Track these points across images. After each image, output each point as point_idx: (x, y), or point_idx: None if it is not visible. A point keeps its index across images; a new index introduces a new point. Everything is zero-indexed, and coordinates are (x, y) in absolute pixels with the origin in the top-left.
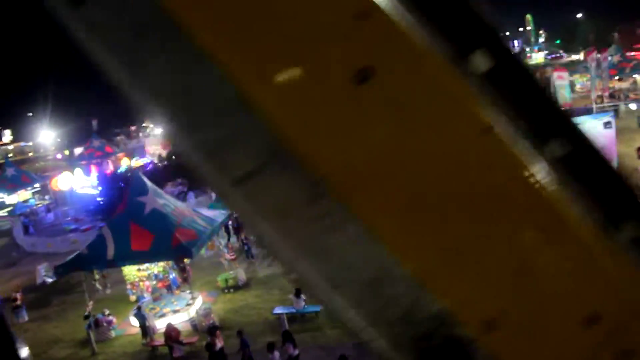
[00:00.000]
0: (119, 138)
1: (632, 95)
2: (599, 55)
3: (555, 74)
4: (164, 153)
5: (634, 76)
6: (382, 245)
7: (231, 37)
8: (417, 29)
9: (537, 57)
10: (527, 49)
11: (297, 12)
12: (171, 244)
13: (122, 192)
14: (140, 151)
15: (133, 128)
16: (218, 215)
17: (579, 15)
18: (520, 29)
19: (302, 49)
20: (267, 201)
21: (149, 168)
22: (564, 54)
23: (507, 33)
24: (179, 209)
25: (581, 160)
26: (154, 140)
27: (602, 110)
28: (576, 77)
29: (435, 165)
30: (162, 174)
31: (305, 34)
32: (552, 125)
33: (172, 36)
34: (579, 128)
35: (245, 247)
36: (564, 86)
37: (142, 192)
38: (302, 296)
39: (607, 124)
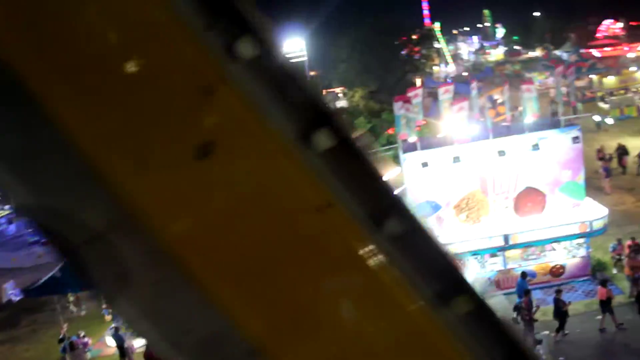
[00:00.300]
0: None
1: (588, 94)
2: (562, 71)
3: (524, 87)
4: None
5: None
6: (218, 309)
7: (76, 106)
8: (262, 107)
9: (496, 54)
10: (486, 45)
11: (142, 85)
12: None
13: None
14: None
15: None
16: None
17: (536, 14)
18: (479, 25)
19: (146, 122)
20: (110, 263)
21: None
22: (522, 50)
23: (467, 29)
24: None
25: (413, 240)
26: None
27: (569, 123)
28: (534, 74)
29: (270, 239)
30: None
31: (150, 106)
32: (387, 205)
33: (17, 96)
34: (412, 209)
35: None
36: (532, 98)
37: None
38: None
39: (575, 139)
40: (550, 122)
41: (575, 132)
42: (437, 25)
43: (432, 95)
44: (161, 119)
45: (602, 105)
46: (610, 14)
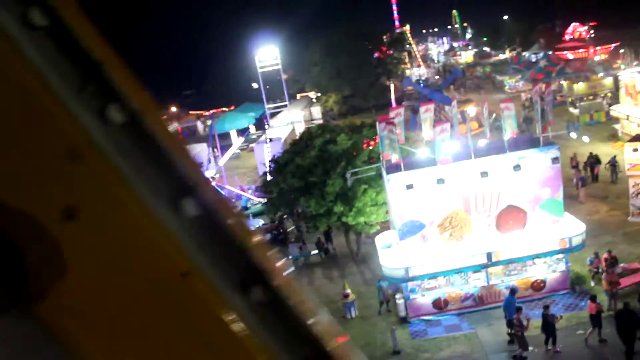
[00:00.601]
0: None
1: (558, 98)
2: (543, 90)
3: (502, 105)
4: None
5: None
6: None
7: None
8: (130, 172)
9: (466, 55)
10: (456, 45)
11: (6, 144)
12: None
13: None
14: None
15: None
16: None
17: (505, 17)
18: (449, 27)
19: (14, 182)
20: None
21: None
22: (492, 52)
23: (436, 29)
24: None
25: (277, 308)
26: None
27: (548, 143)
28: (505, 78)
29: (134, 303)
30: None
31: (17, 168)
32: (252, 273)
33: None
34: (279, 277)
35: None
36: (511, 116)
37: None
38: None
39: (554, 160)
40: (528, 136)
41: (554, 152)
42: (407, 28)
43: (411, 106)
44: (26, 179)
45: (572, 110)
46: (576, 16)
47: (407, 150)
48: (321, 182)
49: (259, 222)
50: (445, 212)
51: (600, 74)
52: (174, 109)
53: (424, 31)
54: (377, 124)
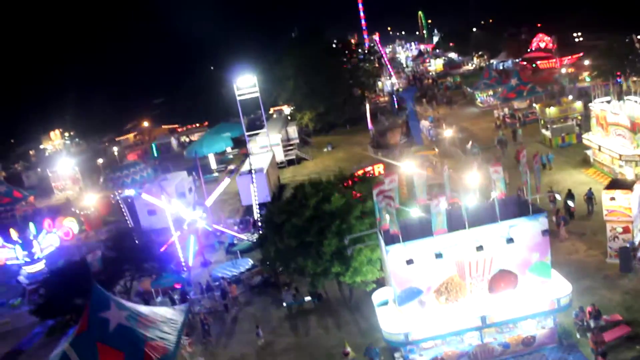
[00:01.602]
0: (18, 167)
1: (531, 116)
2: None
3: (491, 169)
4: (75, 191)
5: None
6: None
7: None
8: None
9: (436, 64)
10: (423, 49)
11: None
12: None
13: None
14: (46, 190)
15: (32, 152)
16: (178, 313)
17: (474, 27)
18: (417, 33)
19: None
20: None
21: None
22: (461, 58)
23: (403, 32)
24: (142, 317)
25: None
26: (62, 174)
27: (537, 210)
28: (477, 93)
29: None
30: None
31: None
32: None
33: None
34: None
35: (205, 327)
36: (499, 179)
37: (105, 307)
38: None
39: (544, 232)
40: (515, 199)
41: (543, 222)
42: (377, 38)
43: (402, 111)
44: None
45: (544, 132)
46: (542, 26)
47: (402, 209)
48: (316, 241)
49: (248, 261)
50: (442, 279)
51: (570, 97)
52: (146, 123)
53: (390, 32)
54: (374, 194)
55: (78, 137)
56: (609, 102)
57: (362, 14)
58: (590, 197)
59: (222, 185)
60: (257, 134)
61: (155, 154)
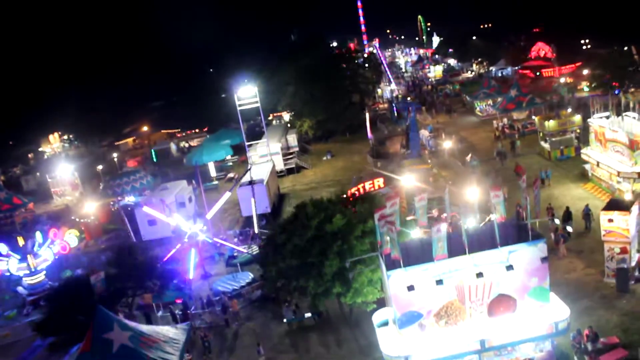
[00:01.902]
0: (17, 171)
1: (530, 126)
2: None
3: (492, 193)
4: (74, 197)
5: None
6: None
7: None
8: None
9: (435, 70)
10: (423, 53)
11: None
12: None
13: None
14: (45, 195)
15: (30, 155)
16: (180, 332)
17: (473, 33)
18: (417, 38)
19: None
20: None
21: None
22: (461, 65)
23: (402, 37)
24: (145, 337)
25: None
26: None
27: (536, 236)
28: (477, 102)
29: None
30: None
31: None
32: None
33: None
34: None
35: (205, 344)
36: (500, 202)
37: (108, 328)
38: None
39: (544, 259)
40: (515, 223)
41: (542, 250)
42: (376, 44)
43: (402, 119)
44: None
45: (543, 144)
46: (541, 34)
47: (403, 230)
48: (318, 261)
49: (249, 275)
50: (442, 303)
51: (569, 110)
52: (145, 127)
53: (390, 36)
54: (376, 218)
55: (77, 140)
56: (607, 117)
57: (362, 19)
58: (587, 213)
59: (223, 198)
60: (257, 143)
61: (155, 159)
